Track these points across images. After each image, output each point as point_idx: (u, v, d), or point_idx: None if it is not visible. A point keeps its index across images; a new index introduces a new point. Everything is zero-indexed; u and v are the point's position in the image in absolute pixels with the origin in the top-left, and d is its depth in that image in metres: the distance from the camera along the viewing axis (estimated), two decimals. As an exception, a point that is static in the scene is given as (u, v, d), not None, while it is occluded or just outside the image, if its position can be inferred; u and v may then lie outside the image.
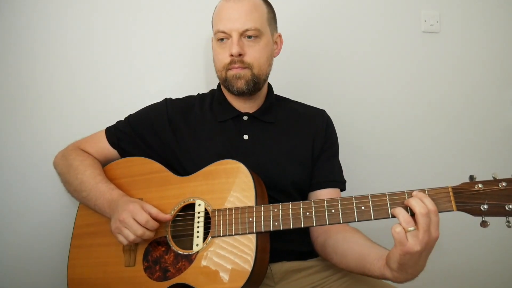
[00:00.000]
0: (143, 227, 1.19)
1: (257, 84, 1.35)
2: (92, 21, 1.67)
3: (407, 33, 2.00)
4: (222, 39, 1.34)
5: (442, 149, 2.01)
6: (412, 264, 0.98)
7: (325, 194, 1.38)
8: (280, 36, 1.46)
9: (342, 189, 1.43)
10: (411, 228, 0.95)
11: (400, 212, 0.98)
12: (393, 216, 1.01)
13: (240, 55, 1.31)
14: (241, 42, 1.31)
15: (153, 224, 1.20)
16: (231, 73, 1.33)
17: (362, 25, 1.95)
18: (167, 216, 1.22)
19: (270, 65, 1.40)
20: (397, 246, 0.96)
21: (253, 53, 1.33)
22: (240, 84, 1.33)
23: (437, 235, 0.96)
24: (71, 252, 1.36)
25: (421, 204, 0.96)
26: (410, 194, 1.02)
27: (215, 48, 1.38)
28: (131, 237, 1.19)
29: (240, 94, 1.36)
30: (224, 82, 1.37)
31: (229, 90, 1.37)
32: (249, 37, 1.32)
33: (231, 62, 1.32)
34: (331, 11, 1.92)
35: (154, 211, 1.22)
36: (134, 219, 1.19)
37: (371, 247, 1.14)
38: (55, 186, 1.51)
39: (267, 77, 1.40)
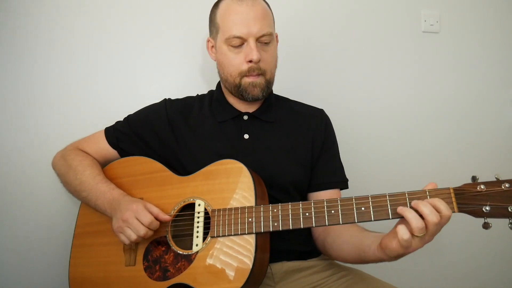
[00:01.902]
0: (146, 227, 1.19)
1: (269, 89, 1.37)
2: (92, 22, 1.67)
3: (407, 33, 2.00)
4: (236, 44, 1.30)
5: (442, 148, 2.01)
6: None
7: (325, 195, 1.38)
8: (276, 36, 1.44)
9: (344, 187, 1.43)
10: (422, 234, 0.95)
11: (414, 217, 0.96)
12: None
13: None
14: (258, 47, 1.30)
15: (156, 225, 1.21)
16: (247, 80, 1.32)
17: (362, 25, 1.95)
18: (166, 217, 1.22)
19: (276, 67, 1.40)
20: (400, 249, 0.97)
21: (268, 59, 1.33)
22: (256, 92, 1.33)
23: (437, 232, 0.98)
24: (72, 251, 1.36)
25: (434, 213, 0.95)
26: (410, 194, 1.01)
27: (226, 53, 1.33)
28: (134, 237, 1.19)
29: (254, 100, 1.36)
30: (237, 88, 1.34)
31: (242, 96, 1.35)
32: (263, 41, 1.31)
33: (250, 70, 1.30)
34: (330, 11, 1.92)
35: (155, 210, 1.22)
36: (138, 219, 1.19)
37: (362, 236, 1.15)
38: (55, 185, 1.50)
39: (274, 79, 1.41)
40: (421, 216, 0.96)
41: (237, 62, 1.31)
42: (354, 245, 1.17)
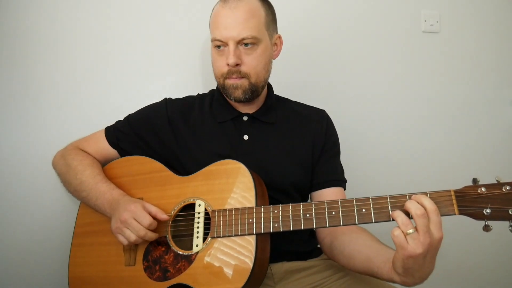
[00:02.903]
0: (146, 228, 1.19)
1: (255, 92, 1.35)
2: (92, 22, 1.67)
3: (407, 33, 2.00)
4: (219, 46, 1.32)
5: (443, 150, 2.01)
6: (417, 267, 0.96)
7: (329, 193, 1.38)
8: (280, 37, 1.43)
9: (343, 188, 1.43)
10: (410, 231, 0.93)
11: (398, 215, 0.97)
12: (393, 220, 1.00)
13: (237, 64, 1.29)
14: (238, 50, 1.29)
15: (155, 226, 1.20)
16: (228, 82, 1.32)
17: (362, 25, 1.95)
18: (164, 216, 1.22)
19: (268, 70, 1.38)
20: (398, 250, 0.95)
21: (250, 62, 1.31)
22: (238, 94, 1.33)
23: (440, 236, 0.94)
24: (72, 250, 1.36)
25: (416, 205, 0.95)
26: (411, 197, 1.01)
27: (213, 54, 1.36)
28: (133, 238, 1.19)
29: (238, 101, 1.36)
30: (222, 89, 1.36)
31: (227, 97, 1.37)
32: (246, 44, 1.30)
33: (229, 72, 1.31)
34: (331, 11, 1.92)
35: (153, 209, 1.21)
36: (136, 220, 1.19)
37: (378, 249, 1.12)
38: (55, 185, 1.50)
39: (265, 82, 1.40)
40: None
41: (220, 64, 1.33)
42: (367, 257, 1.13)
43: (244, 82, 1.32)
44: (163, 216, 1.21)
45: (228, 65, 1.29)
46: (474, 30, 2.08)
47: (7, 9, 1.58)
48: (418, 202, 0.97)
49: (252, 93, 1.34)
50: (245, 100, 1.34)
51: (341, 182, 1.41)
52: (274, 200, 1.27)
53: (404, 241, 0.93)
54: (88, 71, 1.66)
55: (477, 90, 2.06)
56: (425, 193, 1.01)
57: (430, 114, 2.01)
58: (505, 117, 2.08)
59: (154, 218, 1.21)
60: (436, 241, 0.94)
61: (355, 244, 1.20)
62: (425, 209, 0.95)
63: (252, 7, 1.31)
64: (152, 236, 1.20)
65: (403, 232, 0.94)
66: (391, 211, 1.01)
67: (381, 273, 1.06)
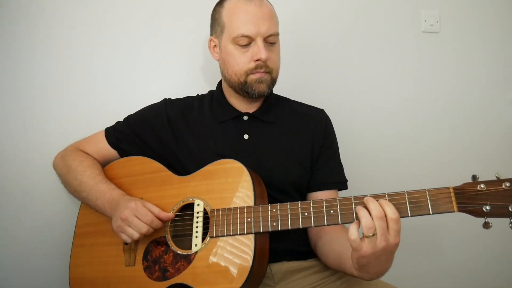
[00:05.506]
0: (148, 225, 1.19)
1: (273, 86, 1.38)
2: (92, 22, 1.67)
3: (407, 33, 2.00)
4: (245, 44, 1.31)
5: (442, 148, 2.00)
6: (371, 265, 1.00)
7: (322, 196, 1.37)
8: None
9: (343, 188, 1.43)
10: (371, 234, 0.95)
11: (364, 215, 0.98)
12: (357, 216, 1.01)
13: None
14: (265, 46, 1.31)
15: (158, 224, 1.20)
16: (253, 77, 1.32)
17: (362, 25, 1.95)
18: (169, 215, 1.22)
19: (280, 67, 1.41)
20: (353, 251, 0.99)
21: (274, 58, 1.35)
22: (262, 88, 1.33)
23: (396, 241, 0.97)
24: (72, 251, 1.36)
25: (378, 208, 0.97)
26: (410, 194, 1.01)
27: (232, 52, 1.33)
28: (136, 235, 1.19)
29: (259, 96, 1.37)
30: (242, 86, 1.34)
31: (247, 93, 1.35)
32: (270, 41, 1.32)
33: (256, 67, 1.31)
34: (330, 11, 1.92)
35: (156, 210, 1.21)
36: (137, 217, 1.19)
37: (347, 247, 1.12)
38: (56, 186, 1.50)
39: None
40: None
41: (243, 60, 1.32)
42: (338, 254, 1.17)
43: (268, 77, 1.34)
44: (168, 215, 1.22)
45: (257, 60, 1.30)
46: (474, 30, 2.07)
47: (7, 9, 1.59)
48: (379, 205, 0.98)
49: (272, 87, 1.37)
50: (267, 94, 1.37)
51: (339, 184, 1.42)
52: (273, 199, 1.27)
53: (359, 245, 0.96)
54: (89, 72, 1.66)
55: (477, 90, 2.06)
56: (424, 191, 1.01)
57: (430, 113, 2.00)
58: (505, 116, 2.07)
59: (158, 218, 1.21)
60: (391, 246, 0.97)
61: (332, 243, 1.23)
62: (386, 215, 0.97)
63: (270, 5, 1.36)
64: (152, 231, 1.21)
65: (363, 233, 0.96)
66: (358, 207, 1.01)
67: (346, 269, 1.11)
